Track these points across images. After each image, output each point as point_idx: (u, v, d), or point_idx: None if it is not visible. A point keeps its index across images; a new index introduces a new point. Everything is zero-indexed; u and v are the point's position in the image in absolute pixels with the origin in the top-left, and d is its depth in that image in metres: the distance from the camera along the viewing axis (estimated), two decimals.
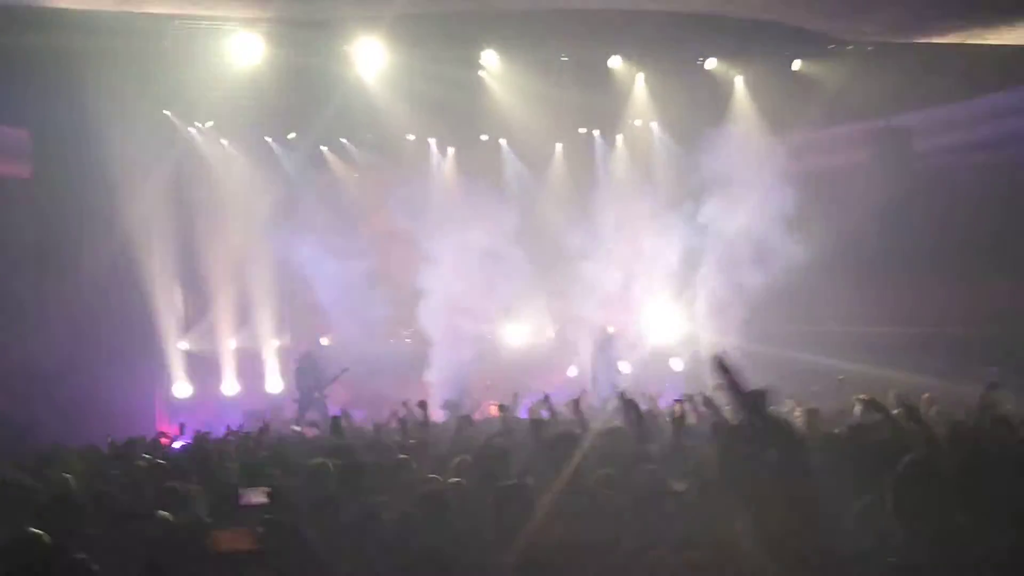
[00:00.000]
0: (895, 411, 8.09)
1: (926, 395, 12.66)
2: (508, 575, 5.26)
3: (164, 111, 20.32)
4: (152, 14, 17.17)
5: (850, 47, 20.10)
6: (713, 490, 6.34)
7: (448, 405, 17.15)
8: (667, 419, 10.19)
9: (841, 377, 15.05)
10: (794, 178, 20.68)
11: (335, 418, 12.12)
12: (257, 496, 6.23)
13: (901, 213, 20.38)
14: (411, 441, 10.66)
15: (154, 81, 18.34)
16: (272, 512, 6.40)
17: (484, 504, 6.45)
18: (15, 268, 18.11)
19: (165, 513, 6.72)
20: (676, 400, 8.87)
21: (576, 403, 9.95)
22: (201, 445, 11.87)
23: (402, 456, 8.81)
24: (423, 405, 12.06)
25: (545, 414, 13.83)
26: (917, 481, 5.08)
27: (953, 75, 19.42)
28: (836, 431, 8.93)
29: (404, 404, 13.26)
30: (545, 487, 6.51)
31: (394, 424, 12.61)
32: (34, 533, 5.68)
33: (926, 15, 18.33)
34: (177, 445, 12.82)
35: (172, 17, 17.66)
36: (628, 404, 8.87)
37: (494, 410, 16.73)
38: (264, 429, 12.42)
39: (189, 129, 21.13)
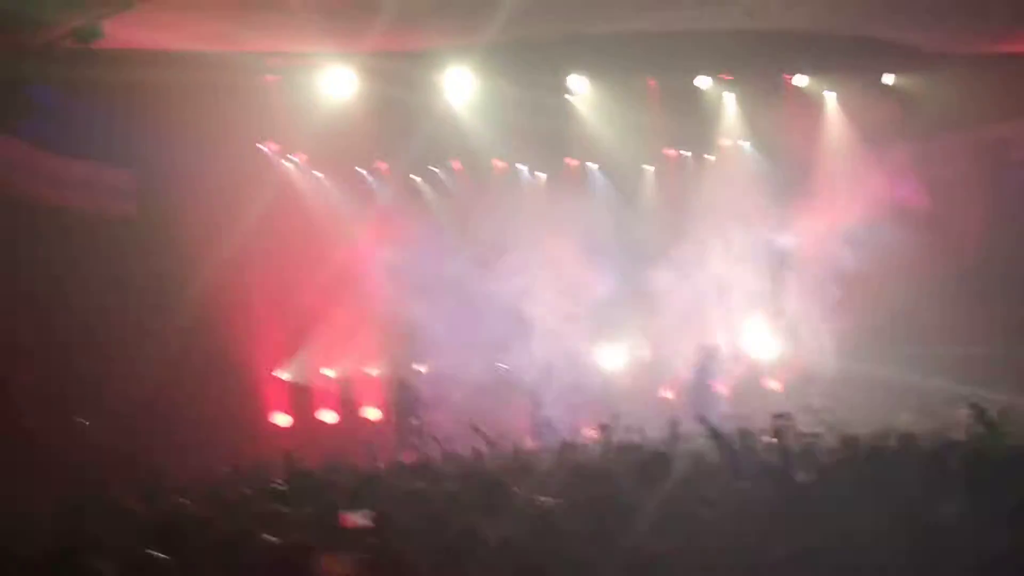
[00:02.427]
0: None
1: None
2: None
3: (259, 146, 20.72)
4: (249, 52, 17.57)
5: (941, 58, 19.83)
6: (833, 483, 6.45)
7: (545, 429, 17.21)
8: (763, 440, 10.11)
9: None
10: (889, 193, 20.41)
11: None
12: (361, 519, 6.32)
13: (1001, 226, 20.00)
14: (502, 464, 10.75)
15: (250, 117, 18.74)
16: (375, 535, 6.49)
17: (584, 524, 6.49)
18: (126, 302, 18.54)
19: (270, 537, 6.84)
20: (776, 415, 8.80)
21: (674, 428, 9.90)
22: (304, 472, 12.04)
23: (502, 480, 8.84)
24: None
25: (637, 438, 13.85)
26: None
27: None
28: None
29: (476, 429, 13.34)
30: (642, 505, 6.54)
31: (485, 451, 12.65)
32: (153, 555, 5.85)
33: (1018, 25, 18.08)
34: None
35: (268, 54, 18.11)
36: (719, 437, 8.91)
37: (592, 433, 16.73)
38: (371, 456, 12.52)
39: (283, 162, 21.50)
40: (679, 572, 5.52)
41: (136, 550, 6.05)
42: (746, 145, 23.28)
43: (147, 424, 17.68)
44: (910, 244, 19.88)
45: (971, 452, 7.16)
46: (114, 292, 18.28)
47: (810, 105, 22.04)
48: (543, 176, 23.99)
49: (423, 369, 22.65)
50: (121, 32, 15.00)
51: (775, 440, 8.33)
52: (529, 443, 15.36)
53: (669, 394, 22.27)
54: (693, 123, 22.37)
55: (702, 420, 9.44)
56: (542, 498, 7.73)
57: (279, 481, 11.59)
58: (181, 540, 6.58)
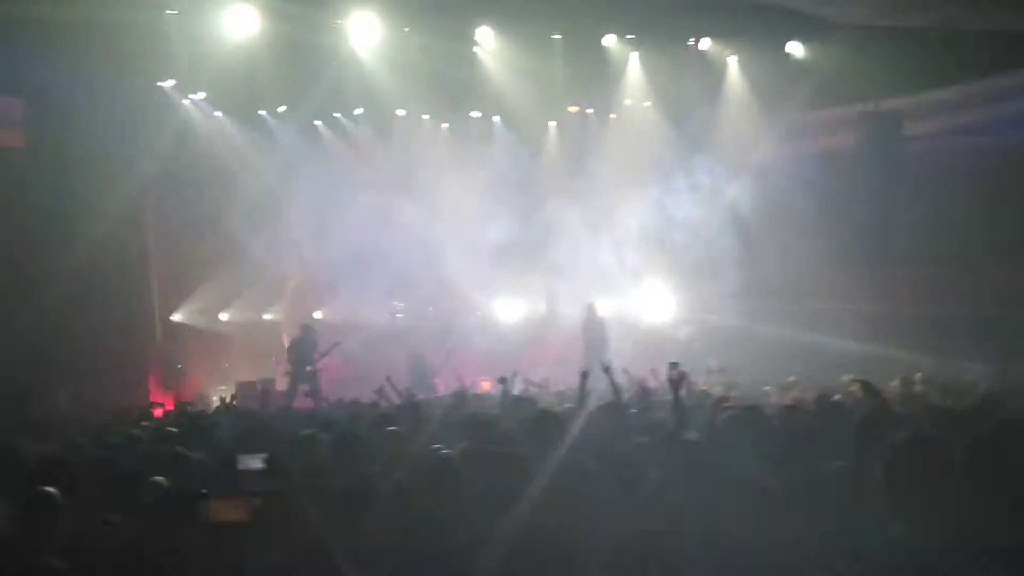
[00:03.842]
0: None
1: (918, 375, 12.86)
2: (505, 545, 5.32)
3: (158, 82, 20.27)
4: None
5: (842, 29, 20.15)
6: (724, 439, 6.62)
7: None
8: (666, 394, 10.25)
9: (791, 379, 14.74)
10: (784, 159, 20.80)
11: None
12: (254, 462, 6.28)
13: (890, 195, 20.50)
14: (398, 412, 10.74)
15: (149, 52, 18.30)
16: (268, 480, 6.46)
17: (477, 475, 6.53)
18: (12, 236, 18.07)
19: (160, 478, 6.78)
20: (672, 362, 8.91)
21: (583, 379, 9.94)
22: (194, 414, 11.95)
23: (392, 428, 8.82)
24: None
25: (534, 389, 13.97)
26: (915, 456, 5.23)
27: (943, 59, 19.48)
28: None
29: (388, 380, 13.20)
30: (539, 458, 6.60)
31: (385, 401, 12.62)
32: (49, 492, 5.77)
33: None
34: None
35: None
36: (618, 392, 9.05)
37: (487, 385, 16.83)
38: (264, 401, 12.44)
39: (184, 101, 21.06)
40: (570, 526, 5.60)
41: (24, 488, 5.95)
42: (648, 105, 23.44)
43: (39, 360, 17.35)
44: (803, 207, 20.30)
45: (858, 416, 7.38)
46: (6, 223, 17.84)
47: (713, 69, 22.25)
48: (446, 127, 23.92)
49: (320, 315, 22.55)
50: None
51: (670, 397, 8.46)
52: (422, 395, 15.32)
53: (562, 349, 22.40)
54: (598, 81, 22.44)
55: (606, 370, 9.54)
56: (437, 447, 7.77)
57: (170, 423, 11.51)
58: (69, 479, 6.46)
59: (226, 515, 5.61)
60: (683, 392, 8.75)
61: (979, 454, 5.45)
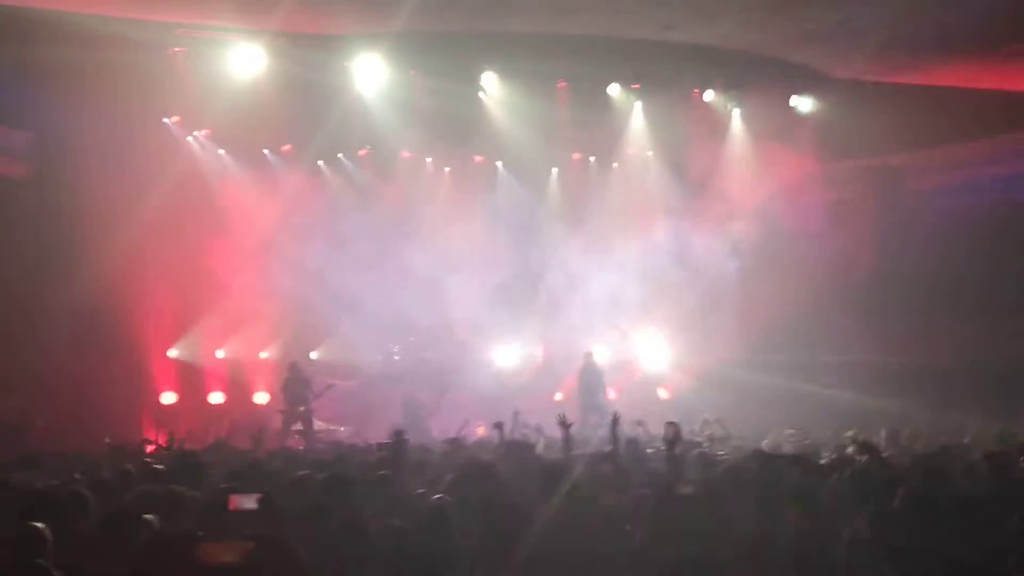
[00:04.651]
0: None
1: (908, 431, 12.85)
2: None
3: (164, 119, 20.36)
4: (155, 21, 17.25)
5: (846, 85, 20.29)
6: (719, 492, 6.58)
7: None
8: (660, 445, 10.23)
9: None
10: (788, 210, 20.83)
11: None
12: (247, 502, 6.23)
13: (892, 249, 20.57)
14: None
15: (155, 89, 18.37)
16: (261, 519, 6.41)
17: (471, 519, 6.50)
18: (14, 268, 18.05)
19: (151, 516, 6.72)
20: (668, 422, 8.92)
21: (565, 428, 9.95)
22: (187, 452, 11.87)
23: (384, 472, 8.79)
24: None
25: (533, 437, 13.90)
26: (906, 513, 5.24)
27: (947, 117, 19.61)
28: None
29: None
30: (535, 507, 6.57)
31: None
32: (36, 527, 5.73)
33: (922, 56, 18.59)
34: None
35: (175, 25, 17.77)
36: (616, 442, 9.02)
37: (482, 431, 16.75)
38: (257, 440, 12.36)
39: (188, 139, 21.13)
40: (561, 572, 5.57)
41: (11, 524, 5.91)
42: (651, 155, 23.52)
43: (37, 395, 17.28)
44: (801, 258, 20.33)
45: (855, 472, 7.37)
46: (9, 254, 17.84)
47: (716, 120, 22.34)
48: (448, 170, 23.97)
49: (316, 355, 22.48)
50: None
51: (664, 449, 8.44)
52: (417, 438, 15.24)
53: (559, 396, 22.38)
54: (601, 129, 22.51)
55: (614, 421, 9.53)
56: (423, 491, 7.74)
57: (160, 460, 11.43)
58: (57, 514, 6.42)
59: (219, 557, 5.56)
60: (677, 449, 8.74)
61: (966, 509, 5.48)
